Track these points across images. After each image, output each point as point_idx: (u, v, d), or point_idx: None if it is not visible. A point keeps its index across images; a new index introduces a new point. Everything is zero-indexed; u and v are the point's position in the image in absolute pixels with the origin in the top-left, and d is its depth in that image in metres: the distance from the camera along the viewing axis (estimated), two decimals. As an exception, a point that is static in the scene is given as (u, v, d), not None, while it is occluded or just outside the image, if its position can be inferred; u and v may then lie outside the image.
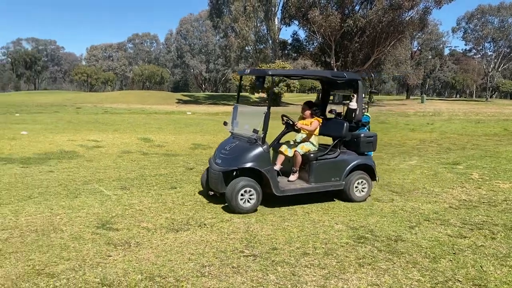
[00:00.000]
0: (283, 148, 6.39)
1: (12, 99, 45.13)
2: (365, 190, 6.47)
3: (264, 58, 42.85)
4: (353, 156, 6.47)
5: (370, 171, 6.57)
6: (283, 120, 6.52)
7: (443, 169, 9.29)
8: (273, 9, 40.95)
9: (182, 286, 3.67)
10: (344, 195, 6.43)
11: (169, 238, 4.81)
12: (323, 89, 7.37)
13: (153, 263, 4.11)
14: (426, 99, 51.25)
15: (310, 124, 6.39)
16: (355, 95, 6.54)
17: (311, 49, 44.36)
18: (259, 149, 5.69)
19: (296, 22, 43.08)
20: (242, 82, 7.26)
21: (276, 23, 42.22)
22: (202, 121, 20.46)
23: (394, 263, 4.24)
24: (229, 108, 37.14)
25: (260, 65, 39.32)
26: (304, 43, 44.23)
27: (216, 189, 5.94)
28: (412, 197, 6.88)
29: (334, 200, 6.52)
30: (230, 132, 6.53)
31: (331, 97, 7.47)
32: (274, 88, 36.48)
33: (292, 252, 4.46)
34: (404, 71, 55.00)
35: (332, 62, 41.55)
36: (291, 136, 6.82)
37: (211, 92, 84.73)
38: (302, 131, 6.47)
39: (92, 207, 5.86)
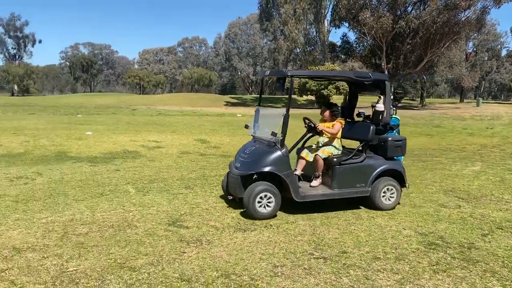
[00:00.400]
0: (304, 152, 6.17)
1: (71, 101, 47.56)
2: (394, 197, 6.08)
3: (313, 60, 42.65)
4: (380, 161, 6.10)
5: (399, 177, 6.17)
6: (305, 122, 6.24)
7: (510, 176, 8.87)
8: (323, 11, 40.69)
9: (257, 285, 3.75)
10: (370, 203, 6.08)
11: (238, 237, 4.92)
12: (350, 91, 7.11)
13: (226, 261, 4.22)
14: (482, 102, 48.93)
15: (332, 126, 6.14)
16: (382, 97, 6.18)
17: (360, 51, 43.57)
18: (277, 153, 5.51)
19: (346, 24, 42.63)
20: (263, 84, 7.10)
21: (326, 25, 41.88)
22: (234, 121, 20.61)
23: (471, 271, 4.11)
24: (277, 111, 37.23)
25: (309, 67, 39.13)
26: (354, 45, 43.56)
27: (235, 194, 5.81)
28: (480, 204, 6.62)
29: (359, 208, 6.16)
30: (251, 135, 6.38)
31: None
32: (323, 91, 36.24)
33: (362, 256, 4.43)
34: (458, 73, 52.82)
35: (383, 64, 40.64)
36: (314, 140, 6.59)
37: (258, 94, 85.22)
38: (324, 134, 6.20)
39: (161, 205, 6.09)
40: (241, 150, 6.14)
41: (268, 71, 6.19)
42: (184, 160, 9.94)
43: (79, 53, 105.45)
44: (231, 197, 6.01)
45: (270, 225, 5.38)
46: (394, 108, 6.73)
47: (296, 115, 7.22)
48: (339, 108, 6.55)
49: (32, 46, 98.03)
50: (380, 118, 6.17)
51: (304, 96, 39.78)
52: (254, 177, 5.71)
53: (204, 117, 24.23)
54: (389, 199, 6.05)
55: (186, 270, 3.99)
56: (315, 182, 6.03)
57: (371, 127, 6.02)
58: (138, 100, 50.07)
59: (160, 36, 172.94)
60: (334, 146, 6.12)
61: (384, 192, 6.00)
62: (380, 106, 6.17)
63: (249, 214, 5.48)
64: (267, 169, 5.49)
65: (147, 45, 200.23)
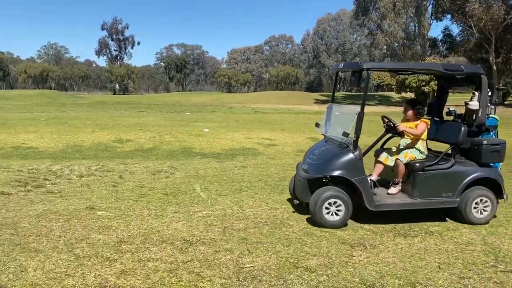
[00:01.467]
0: (383, 156, 5.55)
1: (169, 99, 50.20)
2: (488, 210, 5.28)
3: (413, 55, 40.57)
4: (472, 168, 5.30)
5: (495, 187, 5.33)
6: (384, 122, 5.63)
7: None
8: (425, 3, 38.47)
9: (450, 297, 3.47)
10: (459, 215, 5.32)
11: (401, 243, 4.66)
12: (438, 85, 6.29)
13: (403, 269, 3.98)
14: None
15: (415, 127, 5.43)
16: (476, 93, 5.34)
17: (464, 45, 40.53)
18: (349, 156, 4.98)
19: (449, 17, 39.95)
20: (338, 78, 6.31)
21: (427, 18, 39.57)
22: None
23: None
24: (372, 108, 36.14)
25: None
26: (458, 39, 40.64)
27: (302, 198, 5.34)
28: None
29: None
30: (322, 134, 5.87)
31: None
32: (424, 87, 34.25)
33: (558, 272, 3.93)
34: None
35: (490, 58, 37.44)
36: (394, 142, 5.93)
37: (346, 91, 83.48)
38: (406, 136, 5.51)
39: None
40: (310, 150, 5.69)
41: (342, 64, 5.61)
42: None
43: (173, 54, 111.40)
44: (298, 202, 5.50)
45: (431, 231, 5.04)
46: (492, 107, 5.85)
47: (387, 113, 6.43)
48: (426, 106, 5.91)
49: (132, 47, 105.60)
50: (474, 117, 5.39)
51: (402, 93, 37.97)
52: (324, 181, 5.20)
53: (302, 115, 24.09)
54: (482, 212, 5.27)
55: (365, 275, 3.82)
56: (393, 190, 5.44)
57: (462, 128, 5.27)
58: (230, 99, 51.40)
59: (247, 35, 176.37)
60: (418, 149, 5.43)
61: (476, 204, 5.24)
62: (474, 104, 5.36)
63: (316, 222, 5.04)
64: (337, 173, 5.01)
65: (235, 44, 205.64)
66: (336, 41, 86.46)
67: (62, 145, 10.28)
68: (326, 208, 4.96)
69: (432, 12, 39.79)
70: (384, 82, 74.33)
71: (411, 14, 39.74)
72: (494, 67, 37.94)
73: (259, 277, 3.76)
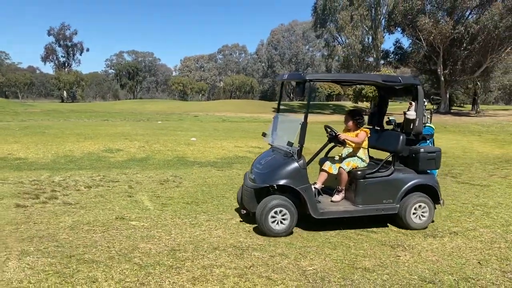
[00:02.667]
0: (327, 165, 5.68)
1: (126, 107, 49.10)
2: (426, 215, 5.49)
3: (367, 66, 42.39)
4: (411, 175, 5.50)
5: (432, 193, 5.57)
6: (326, 131, 5.67)
7: None
8: (379, 17, 40.40)
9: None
10: (399, 221, 5.53)
11: (434, 243, 5.04)
12: (379, 96, 6.43)
13: (449, 266, 4.34)
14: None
15: (356, 135, 5.58)
16: (413, 103, 5.56)
17: (414, 57, 42.91)
18: (294, 165, 5.03)
19: (400, 30, 42.17)
20: (283, 89, 6.48)
21: (380, 31, 41.58)
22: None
23: None
24: (331, 117, 37.27)
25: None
26: (408, 51, 42.97)
27: (249, 208, 5.35)
28: None
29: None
30: (269, 144, 5.90)
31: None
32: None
33: None
34: (514, 79, 51.16)
35: (439, 70, 39.95)
36: (338, 151, 6.02)
37: (299, 101, 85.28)
38: (347, 145, 5.66)
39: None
40: (257, 160, 5.71)
41: (286, 75, 5.72)
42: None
43: (123, 61, 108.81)
44: (245, 211, 5.50)
45: (455, 232, 5.46)
46: (429, 116, 6.01)
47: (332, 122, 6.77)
48: (369, 115, 6.26)
49: (80, 54, 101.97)
50: (412, 126, 5.59)
51: (359, 102, 39.50)
52: (271, 190, 5.27)
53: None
54: (421, 217, 5.48)
55: (420, 273, 4.13)
56: (336, 197, 5.56)
57: (401, 137, 5.45)
58: (188, 107, 51.09)
59: (200, 43, 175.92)
60: (360, 158, 5.59)
61: (415, 210, 5.45)
62: (412, 114, 5.58)
63: (262, 231, 5.05)
64: (282, 182, 5.04)
65: (187, 52, 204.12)
66: (289, 51, 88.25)
67: (52, 156, 9.92)
68: (272, 217, 4.99)
69: (385, 25, 41.88)
70: (334, 92, 76.94)
71: (366, 27, 41.54)
72: (442, 78, 40.48)
73: (327, 278, 3.97)
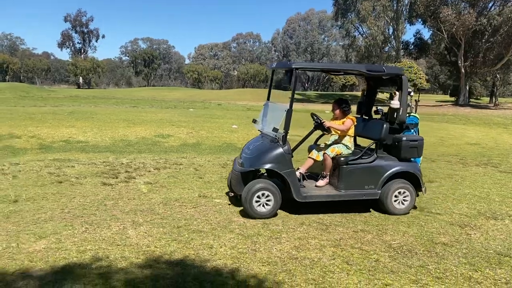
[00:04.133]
0: (314, 153, 5.85)
1: (145, 94, 49.67)
2: (407, 201, 5.66)
3: (388, 57, 42.47)
4: (392, 162, 5.66)
5: (415, 181, 5.73)
6: (313, 119, 5.85)
7: None
8: (401, 8, 40.36)
9: None
10: (381, 206, 5.70)
11: (497, 224, 5.49)
12: (368, 86, 6.52)
13: (519, 243, 4.82)
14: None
15: (342, 123, 5.73)
16: (397, 93, 5.66)
17: (435, 49, 42.84)
18: (279, 150, 5.23)
19: (420, 21, 42.07)
20: (273, 77, 6.65)
21: (402, 22, 41.56)
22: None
23: None
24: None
25: (385, 65, 38.90)
26: (428, 42, 42.89)
27: (236, 191, 5.54)
28: None
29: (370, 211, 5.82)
30: (259, 130, 6.10)
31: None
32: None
33: None
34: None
35: (459, 62, 39.89)
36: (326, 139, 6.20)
37: (313, 91, 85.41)
38: (333, 132, 5.85)
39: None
40: (247, 145, 5.95)
41: (275, 63, 5.90)
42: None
43: (138, 48, 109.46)
44: (232, 194, 5.76)
45: (509, 215, 5.91)
46: (413, 106, 6.08)
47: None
48: (360, 103, 6.40)
49: (96, 41, 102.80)
50: (395, 115, 5.71)
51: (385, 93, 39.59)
52: (259, 174, 5.60)
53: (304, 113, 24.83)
54: (401, 203, 5.66)
55: (494, 248, 4.61)
56: (321, 182, 5.75)
57: (384, 125, 5.60)
58: (206, 95, 51.50)
59: (213, 32, 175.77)
60: (345, 145, 5.75)
61: (396, 196, 5.63)
62: (395, 103, 5.66)
63: (247, 213, 5.27)
64: (267, 166, 5.28)
65: (200, 40, 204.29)
66: (304, 40, 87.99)
67: (110, 140, 10.51)
68: (257, 200, 5.20)
69: (406, 16, 41.82)
70: (349, 82, 76.80)
71: (387, 18, 41.51)
72: (462, 70, 40.42)
73: (413, 251, 4.47)
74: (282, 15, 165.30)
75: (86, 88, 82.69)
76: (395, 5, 40.59)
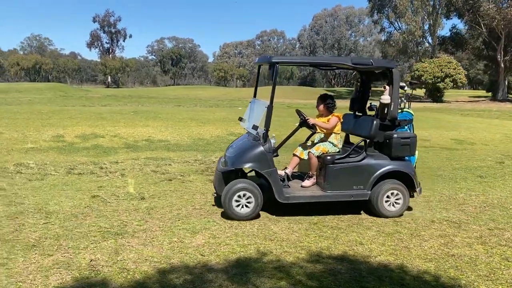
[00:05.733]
0: (298, 150, 5.59)
1: (178, 93, 50.23)
2: (400, 203, 5.27)
3: (424, 52, 41.89)
4: (383, 161, 5.27)
5: (408, 181, 5.34)
6: (299, 116, 5.58)
7: None
8: (440, 2, 39.74)
9: None
10: (371, 208, 5.33)
11: None
12: (361, 81, 6.07)
13: None
14: None
15: (328, 121, 5.45)
16: (388, 87, 5.32)
17: (472, 43, 42.02)
18: (259, 149, 4.99)
19: (457, 15, 41.32)
20: (259, 74, 6.35)
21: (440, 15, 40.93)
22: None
23: None
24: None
25: (423, 60, 38.49)
26: (466, 37, 42.08)
27: (218, 191, 5.28)
28: None
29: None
30: (245, 129, 5.78)
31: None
32: (439, 84, 35.47)
33: None
34: None
35: (498, 56, 39.05)
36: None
37: (340, 87, 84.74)
38: (319, 130, 5.55)
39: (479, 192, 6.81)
40: (231, 144, 5.76)
41: (257, 58, 5.63)
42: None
43: (164, 47, 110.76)
44: (216, 194, 5.46)
45: None
46: (405, 101, 5.72)
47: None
48: (351, 99, 6.11)
49: (124, 40, 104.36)
50: (386, 111, 5.35)
51: (417, 89, 39.16)
52: (247, 173, 5.42)
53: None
54: (394, 205, 5.28)
55: None
56: (307, 182, 5.46)
57: (374, 122, 5.28)
58: (238, 93, 51.69)
59: (239, 30, 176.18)
60: (331, 143, 5.45)
61: (388, 197, 5.25)
62: (386, 98, 5.30)
63: (226, 214, 5.05)
64: (247, 165, 5.07)
65: (224, 39, 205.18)
66: (331, 36, 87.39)
67: (188, 138, 10.77)
68: (236, 200, 4.97)
69: (444, 11, 41.11)
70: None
71: (424, 13, 40.93)
72: (502, 65, 39.54)
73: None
74: (306, 11, 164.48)
75: (114, 87, 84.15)
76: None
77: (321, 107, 5.55)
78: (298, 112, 5.60)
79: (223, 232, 4.68)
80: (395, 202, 5.27)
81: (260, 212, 5.27)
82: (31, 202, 5.53)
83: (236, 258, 4.01)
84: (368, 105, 5.99)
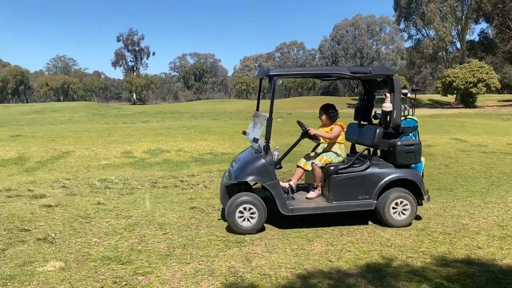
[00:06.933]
0: (302, 161, 5.54)
1: (205, 107, 50.95)
2: (407, 212, 5.19)
3: (454, 58, 41.54)
4: (388, 170, 5.21)
5: (415, 189, 5.25)
6: (300, 127, 5.49)
7: None
8: (470, 7, 39.49)
9: None
10: (379, 217, 5.26)
11: None
12: (364, 90, 6.06)
13: None
14: None
15: (330, 130, 5.40)
16: (388, 95, 5.28)
17: (502, 47, 41.48)
18: (260, 161, 4.96)
19: (485, 20, 40.93)
20: (261, 86, 6.27)
21: (469, 22, 40.64)
22: (444, 121, 20.63)
23: None
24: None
25: (453, 66, 38.18)
26: (495, 41, 41.59)
27: (223, 204, 5.36)
28: None
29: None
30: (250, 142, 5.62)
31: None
32: (471, 89, 35.04)
33: None
34: None
35: (531, 59, 38.39)
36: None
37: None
38: (322, 140, 5.49)
39: None
40: (236, 157, 5.75)
41: (256, 72, 5.50)
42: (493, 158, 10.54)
43: (186, 63, 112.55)
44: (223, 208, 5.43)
45: None
46: (408, 108, 5.64)
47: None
48: (355, 108, 6.03)
49: (147, 58, 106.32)
50: (388, 119, 5.30)
51: (448, 95, 38.77)
52: (242, 187, 5.34)
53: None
54: (401, 214, 5.20)
55: None
56: (312, 194, 5.42)
57: (377, 130, 5.22)
58: (264, 106, 52.02)
59: (258, 43, 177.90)
60: (335, 153, 5.39)
61: (395, 206, 5.18)
62: (387, 106, 5.26)
63: (230, 227, 5.02)
64: (249, 178, 5.05)
65: (245, 52, 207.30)
66: (353, 45, 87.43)
67: (249, 151, 11.00)
68: (240, 213, 4.95)
69: (473, 16, 40.79)
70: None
71: (452, 19, 40.67)
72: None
73: None
74: (325, 22, 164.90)
75: (139, 104, 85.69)
76: (460, 5, 39.72)
77: (324, 117, 5.53)
78: (299, 123, 5.54)
79: (337, 239, 4.83)
80: (403, 211, 5.21)
81: (359, 219, 5.40)
82: (137, 215, 5.79)
83: (365, 264, 4.14)
84: (373, 113, 5.94)
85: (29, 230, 5.17)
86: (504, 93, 64.02)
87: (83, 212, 5.97)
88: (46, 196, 6.83)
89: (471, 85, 34.76)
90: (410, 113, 5.64)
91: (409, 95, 5.58)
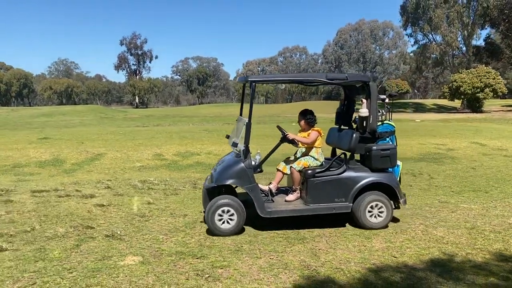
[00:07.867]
0: (281, 165, 5.70)
1: (211, 111, 51.18)
2: (383, 215, 5.30)
3: (460, 63, 41.88)
4: (364, 174, 5.32)
5: (391, 193, 5.37)
6: (280, 131, 5.67)
7: None
8: (477, 12, 39.90)
9: None
10: (355, 220, 5.37)
11: None
12: (345, 95, 6.18)
13: None
14: None
15: (308, 135, 5.58)
16: (364, 100, 5.39)
17: (508, 53, 41.82)
18: (240, 165, 5.10)
19: (490, 25, 41.29)
20: (244, 92, 6.45)
21: (475, 27, 41.04)
22: (457, 126, 20.86)
23: None
24: (412, 116, 36.96)
25: (460, 71, 38.52)
26: (501, 46, 41.94)
27: (204, 207, 5.43)
28: None
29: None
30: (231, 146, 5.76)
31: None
32: (478, 94, 35.33)
33: None
34: None
35: (536, 64, 38.73)
36: None
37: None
38: (300, 145, 5.66)
39: None
40: (219, 161, 5.89)
41: (238, 78, 5.56)
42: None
43: (189, 67, 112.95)
44: (204, 210, 5.49)
45: None
46: (385, 113, 5.70)
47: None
48: (336, 113, 6.13)
49: (150, 61, 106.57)
50: (365, 124, 5.41)
51: (455, 100, 39.05)
52: (235, 187, 5.52)
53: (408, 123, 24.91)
54: (377, 217, 5.31)
55: None
56: (290, 197, 5.56)
57: (354, 135, 5.36)
58: (269, 110, 52.37)
59: (261, 47, 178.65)
60: (312, 157, 5.55)
61: (370, 209, 5.29)
62: (364, 111, 5.38)
63: (210, 229, 5.13)
64: (229, 181, 5.15)
65: (247, 56, 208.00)
66: (356, 50, 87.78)
67: (276, 153, 11.21)
68: (219, 215, 5.07)
69: (480, 22, 41.18)
70: (402, 90, 75.71)
71: (459, 25, 41.05)
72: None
73: None
74: (327, 27, 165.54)
75: (143, 108, 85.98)
76: (467, 10, 40.13)
77: (302, 122, 5.70)
78: (279, 128, 5.70)
79: (393, 237, 5.04)
80: (378, 214, 5.32)
81: (408, 216, 5.61)
82: (192, 214, 6.01)
83: (429, 259, 4.36)
84: (353, 118, 6.05)
85: (93, 228, 5.39)
86: (506, 98, 64.39)
87: (137, 211, 6.20)
88: (95, 196, 7.05)
89: (478, 90, 35.06)
90: (387, 118, 5.74)
91: (386, 100, 5.72)
